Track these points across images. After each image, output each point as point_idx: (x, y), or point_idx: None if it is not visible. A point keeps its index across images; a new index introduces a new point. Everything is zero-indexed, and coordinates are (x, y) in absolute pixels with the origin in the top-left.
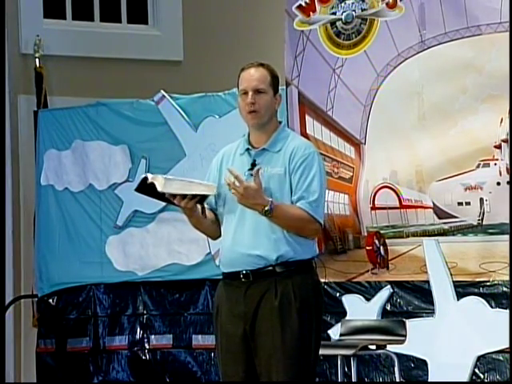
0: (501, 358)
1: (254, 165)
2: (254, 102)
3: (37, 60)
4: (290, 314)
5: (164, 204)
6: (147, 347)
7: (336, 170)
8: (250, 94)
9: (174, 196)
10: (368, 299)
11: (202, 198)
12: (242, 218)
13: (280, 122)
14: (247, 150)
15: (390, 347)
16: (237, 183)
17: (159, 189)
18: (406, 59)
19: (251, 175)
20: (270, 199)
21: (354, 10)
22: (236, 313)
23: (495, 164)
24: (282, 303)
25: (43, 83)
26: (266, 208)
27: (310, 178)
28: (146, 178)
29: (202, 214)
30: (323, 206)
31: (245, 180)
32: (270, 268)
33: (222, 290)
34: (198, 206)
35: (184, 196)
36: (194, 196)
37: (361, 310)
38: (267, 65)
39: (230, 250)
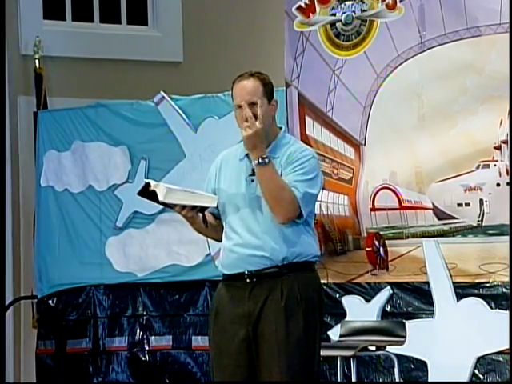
0: (501, 359)
1: (254, 171)
2: (250, 116)
3: (36, 61)
4: (296, 315)
5: None
6: (147, 348)
7: (336, 171)
8: (245, 107)
9: (175, 205)
10: (368, 300)
11: (202, 208)
12: (244, 220)
13: (280, 128)
14: (247, 155)
15: (389, 348)
16: (257, 122)
17: (160, 198)
18: (406, 60)
19: (252, 181)
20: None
21: (354, 11)
22: (239, 314)
23: (495, 165)
24: (287, 304)
25: (43, 84)
26: (265, 155)
27: (306, 170)
28: (148, 184)
29: (204, 222)
30: (311, 202)
31: (244, 185)
32: (276, 269)
33: (223, 292)
34: (200, 215)
35: (184, 206)
36: (194, 206)
37: (360, 311)
38: (258, 73)
39: (233, 251)
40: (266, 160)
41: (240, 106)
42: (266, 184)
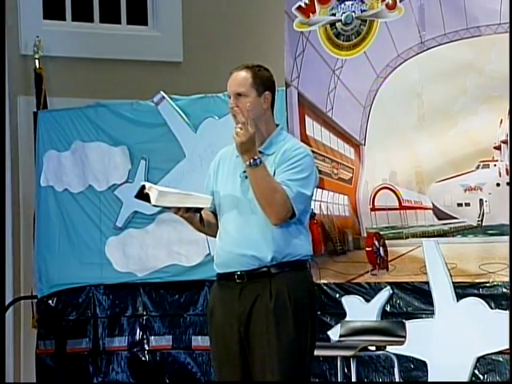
0: (500, 359)
1: None
2: (235, 107)
3: (36, 61)
4: (285, 315)
5: None
6: (147, 348)
7: (336, 170)
8: (232, 98)
9: (169, 207)
10: (368, 300)
11: (198, 208)
12: (235, 220)
13: (277, 125)
14: None
15: (389, 348)
16: (250, 127)
17: (152, 202)
18: (406, 60)
19: (246, 177)
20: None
21: (354, 11)
22: (231, 314)
23: (495, 165)
24: (276, 305)
25: (43, 84)
26: (256, 157)
27: (300, 168)
28: (143, 187)
29: (201, 222)
30: (304, 202)
31: (239, 182)
32: (265, 269)
33: (216, 292)
34: (197, 215)
35: (179, 207)
36: (188, 208)
37: (360, 311)
38: (252, 66)
39: (224, 250)
40: (258, 161)
41: (230, 97)
42: (257, 186)
